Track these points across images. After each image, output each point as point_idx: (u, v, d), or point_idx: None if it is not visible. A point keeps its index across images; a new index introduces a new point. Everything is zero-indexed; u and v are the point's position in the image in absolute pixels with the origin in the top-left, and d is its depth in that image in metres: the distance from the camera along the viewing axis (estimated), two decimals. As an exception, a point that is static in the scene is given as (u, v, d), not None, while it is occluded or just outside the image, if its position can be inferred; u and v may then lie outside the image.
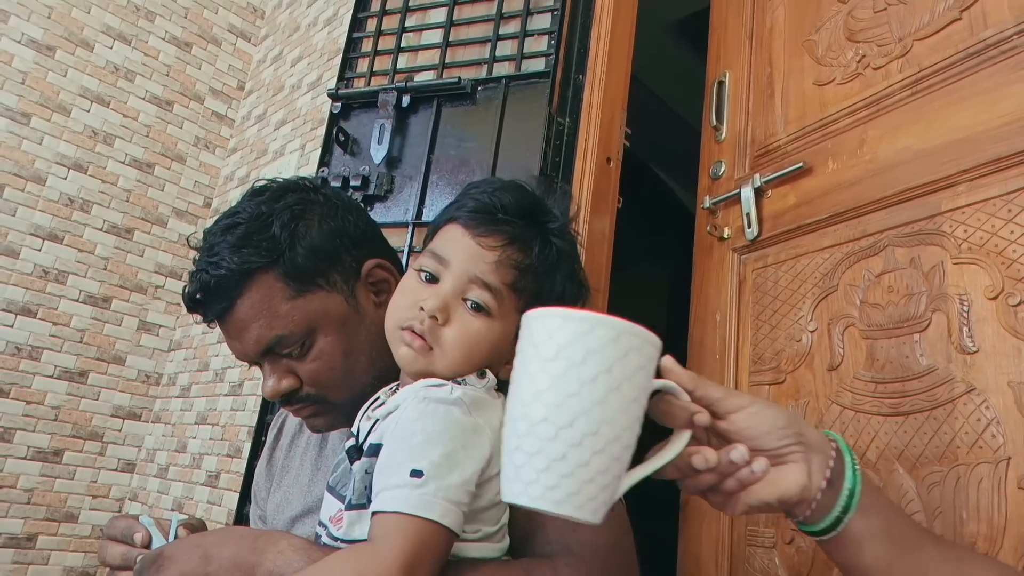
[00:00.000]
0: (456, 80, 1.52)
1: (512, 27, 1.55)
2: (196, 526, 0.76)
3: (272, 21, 2.93)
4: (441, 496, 0.55)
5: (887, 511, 0.54)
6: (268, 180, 0.83)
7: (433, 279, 0.66)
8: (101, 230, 2.47)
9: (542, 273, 0.68)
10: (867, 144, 1.05)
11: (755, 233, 1.19)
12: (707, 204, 1.31)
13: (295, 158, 2.36)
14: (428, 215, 1.47)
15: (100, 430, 2.42)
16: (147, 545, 0.71)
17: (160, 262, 2.61)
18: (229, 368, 2.26)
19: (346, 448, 0.68)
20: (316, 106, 2.34)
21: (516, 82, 1.48)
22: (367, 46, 1.75)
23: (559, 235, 0.70)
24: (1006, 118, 0.88)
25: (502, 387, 0.66)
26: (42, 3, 2.41)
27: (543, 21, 1.52)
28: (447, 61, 1.60)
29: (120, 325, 2.49)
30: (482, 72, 1.54)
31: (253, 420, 1.85)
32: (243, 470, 1.77)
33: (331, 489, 0.68)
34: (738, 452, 0.50)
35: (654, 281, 3.91)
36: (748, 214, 1.20)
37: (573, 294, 0.72)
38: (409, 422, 0.60)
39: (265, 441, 1.04)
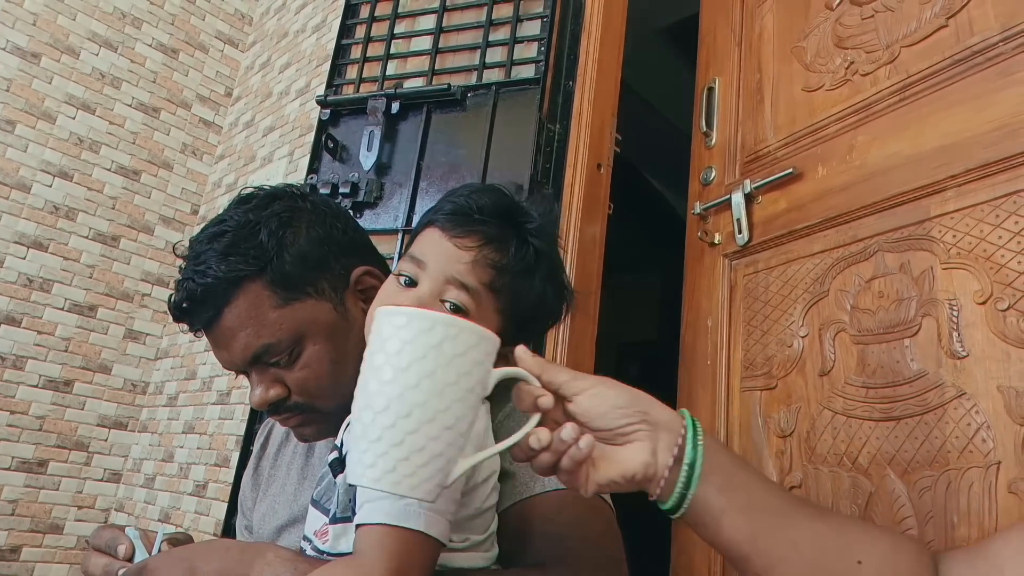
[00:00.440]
0: (446, 87, 1.52)
1: (502, 34, 1.55)
2: (181, 540, 0.74)
3: (260, 27, 2.92)
4: (426, 506, 0.55)
5: (753, 487, 0.54)
6: (256, 187, 0.83)
7: (412, 283, 0.66)
8: (87, 238, 2.45)
9: (519, 272, 0.67)
10: (856, 150, 1.05)
11: (746, 239, 1.19)
12: (698, 210, 1.31)
13: (283, 165, 2.35)
14: (418, 222, 1.46)
15: (86, 440, 2.39)
16: (130, 558, 0.70)
17: (147, 270, 2.58)
18: (217, 377, 2.24)
19: (329, 461, 0.67)
20: (305, 112, 2.33)
21: (506, 89, 1.48)
22: (356, 52, 1.75)
23: (537, 235, 0.69)
24: (994, 124, 0.88)
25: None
26: (27, 10, 2.39)
27: (533, 28, 1.53)
28: (437, 68, 1.60)
29: (106, 334, 2.46)
30: (472, 79, 1.54)
31: (241, 429, 1.83)
32: (231, 480, 1.75)
33: (315, 503, 0.67)
34: (567, 431, 0.51)
35: (646, 287, 3.92)
36: (739, 220, 1.20)
37: (554, 295, 0.71)
38: None
39: (253, 450, 1.03)
